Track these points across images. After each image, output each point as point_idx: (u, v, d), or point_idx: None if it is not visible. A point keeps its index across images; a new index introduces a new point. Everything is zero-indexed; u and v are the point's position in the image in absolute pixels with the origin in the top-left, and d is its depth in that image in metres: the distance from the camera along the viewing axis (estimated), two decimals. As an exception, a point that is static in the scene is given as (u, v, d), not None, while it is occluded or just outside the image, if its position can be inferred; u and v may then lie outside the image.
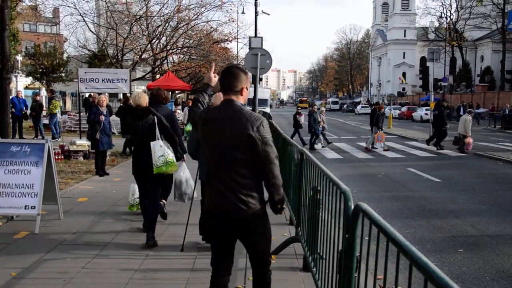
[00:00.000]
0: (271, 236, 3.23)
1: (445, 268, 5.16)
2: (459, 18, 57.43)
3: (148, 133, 5.37)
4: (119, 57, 28.02)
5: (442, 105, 18.37)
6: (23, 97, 18.30)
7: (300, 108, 20.11)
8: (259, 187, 3.06)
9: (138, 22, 27.87)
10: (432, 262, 1.60)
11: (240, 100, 3.05)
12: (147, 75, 30.34)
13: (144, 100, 5.74)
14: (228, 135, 2.91)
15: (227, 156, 2.93)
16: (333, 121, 41.43)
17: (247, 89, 3.09)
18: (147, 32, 28.54)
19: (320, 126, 17.68)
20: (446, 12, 57.33)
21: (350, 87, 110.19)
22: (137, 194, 6.22)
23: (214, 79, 3.39)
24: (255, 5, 23.03)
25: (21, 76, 35.57)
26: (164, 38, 29.25)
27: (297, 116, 18.23)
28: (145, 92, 10.37)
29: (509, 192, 9.58)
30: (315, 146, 17.60)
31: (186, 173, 6.23)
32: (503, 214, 7.67)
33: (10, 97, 11.45)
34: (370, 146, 17.34)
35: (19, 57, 35.36)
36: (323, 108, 19.84)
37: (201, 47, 29.02)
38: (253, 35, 21.22)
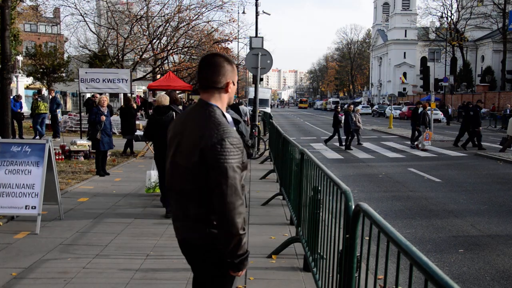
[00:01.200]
0: None
1: (445, 268, 5.16)
2: (460, 18, 57.43)
3: (169, 126, 6.60)
4: (120, 57, 28.05)
5: (478, 105, 18.07)
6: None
7: (340, 108, 19.74)
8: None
9: (139, 22, 27.91)
10: (432, 262, 1.60)
11: (224, 99, 2.34)
12: (148, 75, 30.37)
13: (167, 100, 7.04)
14: (182, 150, 2.25)
15: (182, 177, 2.26)
16: (334, 121, 41.44)
17: (234, 84, 2.35)
18: (147, 32, 28.58)
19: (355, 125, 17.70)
20: (447, 12, 57.38)
21: (350, 87, 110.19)
22: (153, 179, 7.90)
23: None
24: (256, 5, 23.02)
25: (22, 76, 35.61)
26: (164, 38, 29.28)
27: (339, 115, 18.14)
28: (145, 92, 10.96)
29: (509, 192, 9.57)
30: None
31: None
32: (503, 214, 7.67)
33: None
34: (422, 145, 17.13)
35: (20, 57, 35.39)
36: (358, 108, 19.65)
37: (201, 47, 29.02)
38: (254, 35, 21.20)
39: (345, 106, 19.70)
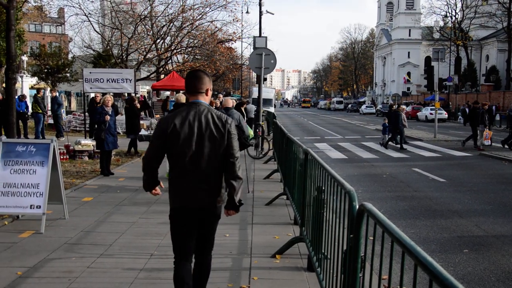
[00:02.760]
0: None
1: (450, 268, 5.14)
2: (464, 17, 57.16)
3: None
4: (124, 57, 28.13)
5: None
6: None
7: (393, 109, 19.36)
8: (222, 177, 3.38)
9: (143, 22, 27.99)
10: (437, 262, 1.60)
11: (206, 100, 3.37)
12: (152, 75, 30.43)
13: (184, 99, 8.42)
14: (209, 133, 3.22)
15: (209, 153, 3.23)
16: (338, 121, 41.39)
17: (210, 90, 3.42)
18: (151, 32, 28.65)
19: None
20: (451, 11, 57.16)
21: (354, 86, 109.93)
22: None
23: None
24: (260, 4, 23.02)
25: (26, 76, 35.71)
26: (168, 38, 29.36)
27: (400, 116, 17.99)
28: (149, 92, 11.35)
29: (514, 192, 9.53)
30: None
31: None
32: (508, 214, 7.64)
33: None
34: (481, 144, 16.97)
35: (25, 57, 35.50)
36: (403, 106, 19.74)
37: (205, 47, 29.07)
38: (258, 34, 21.20)
39: (395, 106, 19.45)
